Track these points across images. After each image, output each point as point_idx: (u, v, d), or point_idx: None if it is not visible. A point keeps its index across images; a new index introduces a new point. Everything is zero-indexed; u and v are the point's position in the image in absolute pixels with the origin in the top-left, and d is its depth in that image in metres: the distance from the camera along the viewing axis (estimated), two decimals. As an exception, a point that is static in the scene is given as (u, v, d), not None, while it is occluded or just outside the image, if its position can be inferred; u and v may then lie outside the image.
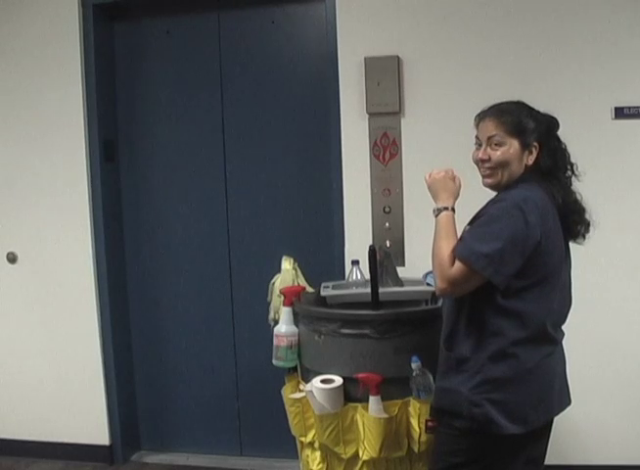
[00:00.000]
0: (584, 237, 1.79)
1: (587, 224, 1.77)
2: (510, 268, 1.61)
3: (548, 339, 1.72)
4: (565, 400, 1.83)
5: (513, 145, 1.71)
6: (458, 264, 1.63)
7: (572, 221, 1.74)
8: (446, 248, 1.68)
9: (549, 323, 1.70)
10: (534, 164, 1.73)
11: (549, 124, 1.76)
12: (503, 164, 1.72)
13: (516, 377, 1.67)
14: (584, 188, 1.78)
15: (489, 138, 1.73)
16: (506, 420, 1.66)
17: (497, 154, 1.72)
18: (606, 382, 2.70)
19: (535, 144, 1.72)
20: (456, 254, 1.65)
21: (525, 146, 1.72)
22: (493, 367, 1.67)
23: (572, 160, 1.78)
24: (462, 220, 1.77)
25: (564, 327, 1.82)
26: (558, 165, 1.74)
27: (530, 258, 1.63)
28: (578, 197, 1.77)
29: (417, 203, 2.75)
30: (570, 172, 1.78)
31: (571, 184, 1.78)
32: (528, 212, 1.62)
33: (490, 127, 1.73)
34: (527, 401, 1.69)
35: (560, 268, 1.72)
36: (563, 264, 1.74)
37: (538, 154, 1.73)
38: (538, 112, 1.78)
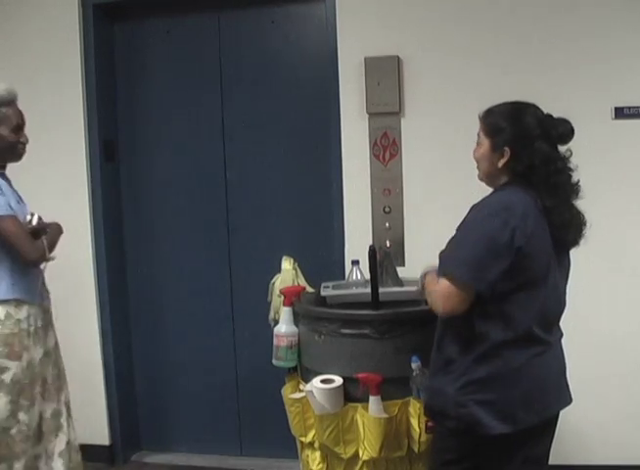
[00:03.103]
0: (578, 243, 1.76)
1: (578, 231, 1.73)
2: (491, 275, 1.61)
3: (536, 340, 1.71)
4: (563, 399, 1.82)
5: (485, 144, 1.76)
6: (441, 280, 1.66)
7: (558, 228, 1.69)
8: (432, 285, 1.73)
9: (536, 325, 1.69)
10: (505, 166, 1.71)
11: (539, 130, 1.69)
12: (477, 161, 1.79)
13: (500, 376, 1.68)
14: (584, 188, 1.77)
15: (478, 135, 1.80)
16: (494, 420, 1.66)
17: (475, 151, 1.80)
18: (606, 382, 2.69)
19: (506, 148, 1.70)
20: (438, 272, 1.69)
21: (495, 148, 1.73)
22: (478, 369, 1.68)
23: (572, 166, 1.73)
24: (456, 223, 1.76)
25: (563, 328, 1.82)
26: (535, 172, 1.68)
27: (514, 263, 1.62)
28: (570, 206, 1.72)
29: (417, 203, 2.75)
30: (563, 179, 1.71)
31: (562, 191, 1.70)
32: (508, 218, 1.62)
33: (479, 126, 1.80)
34: (515, 400, 1.68)
35: (547, 271, 1.70)
36: (551, 267, 1.71)
37: (510, 158, 1.70)
38: (536, 117, 1.71)
